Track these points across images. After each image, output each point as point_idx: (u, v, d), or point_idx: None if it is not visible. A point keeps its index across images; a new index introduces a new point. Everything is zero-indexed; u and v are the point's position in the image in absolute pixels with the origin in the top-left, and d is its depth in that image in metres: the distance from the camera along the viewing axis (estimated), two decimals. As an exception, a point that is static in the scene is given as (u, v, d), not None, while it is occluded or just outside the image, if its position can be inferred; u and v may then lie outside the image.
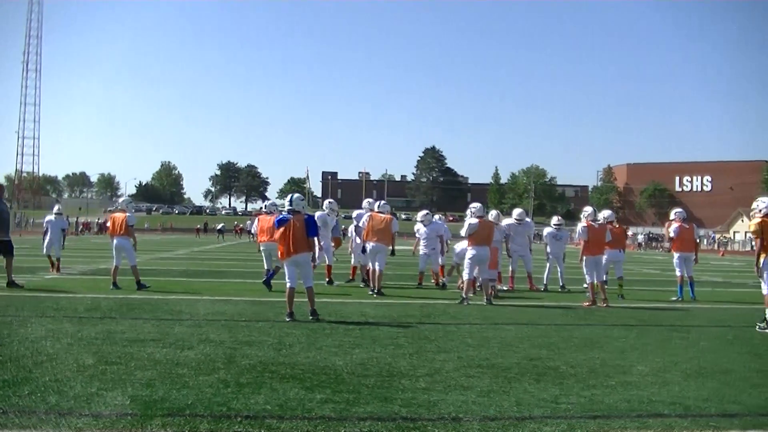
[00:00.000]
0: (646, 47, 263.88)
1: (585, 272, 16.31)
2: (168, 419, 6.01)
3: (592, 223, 16.57)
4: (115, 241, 17.78)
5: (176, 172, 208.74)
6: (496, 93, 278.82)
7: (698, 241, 19.88)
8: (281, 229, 12.85)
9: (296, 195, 13.44)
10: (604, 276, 17.16)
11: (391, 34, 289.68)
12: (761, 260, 12.80)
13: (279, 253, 13.09)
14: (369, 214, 18.39)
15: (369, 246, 17.80)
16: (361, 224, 18.64)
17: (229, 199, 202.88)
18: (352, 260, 20.50)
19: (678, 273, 18.39)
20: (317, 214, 19.31)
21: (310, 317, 12.59)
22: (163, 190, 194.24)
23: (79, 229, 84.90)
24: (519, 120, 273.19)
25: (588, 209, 17.04)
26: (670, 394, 7.50)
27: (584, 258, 16.32)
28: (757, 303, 17.85)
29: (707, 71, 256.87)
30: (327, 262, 19.88)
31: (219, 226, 79.22)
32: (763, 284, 12.95)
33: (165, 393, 6.84)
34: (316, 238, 13.48)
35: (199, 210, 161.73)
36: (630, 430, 6.20)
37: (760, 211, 13.03)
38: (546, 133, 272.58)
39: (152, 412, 6.17)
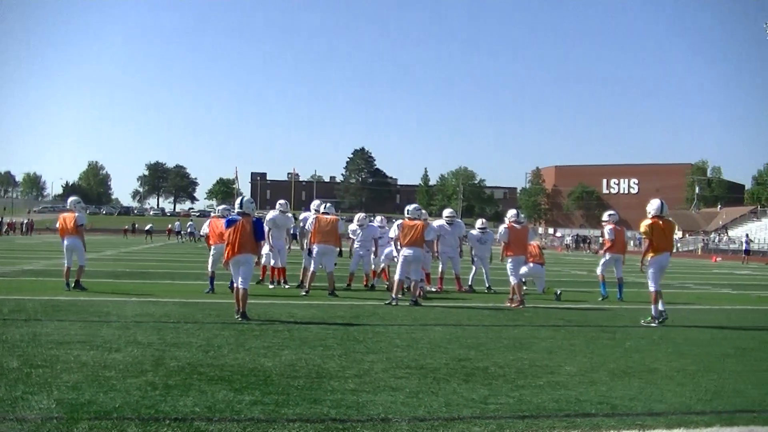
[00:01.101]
0: (571, 50, 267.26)
1: (509, 273, 16.50)
2: (95, 423, 5.95)
3: (514, 225, 16.78)
4: (65, 241, 17.80)
5: (104, 172, 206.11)
6: (424, 94, 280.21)
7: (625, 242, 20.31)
8: (229, 230, 13.17)
9: (246, 198, 13.82)
10: (523, 279, 17.57)
11: (319, 33, 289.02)
12: (647, 258, 13.89)
13: (225, 253, 13.29)
14: (315, 216, 18.33)
15: (315, 248, 17.75)
16: (307, 226, 18.53)
17: (158, 199, 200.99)
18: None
19: (599, 272, 18.76)
20: (269, 215, 19.23)
21: (238, 317, 12.66)
22: (91, 190, 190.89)
23: (4, 230, 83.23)
24: (448, 122, 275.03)
25: (511, 211, 17.28)
26: (598, 394, 7.62)
27: (508, 258, 16.60)
28: (680, 303, 18.28)
29: (633, 75, 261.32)
30: (276, 264, 19.59)
31: (147, 227, 78.29)
32: (649, 282, 13.90)
33: (92, 396, 6.77)
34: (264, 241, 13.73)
35: (126, 210, 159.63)
36: (558, 429, 6.29)
37: (650, 213, 13.99)
38: (475, 135, 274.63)
39: (79, 416, 6.09)
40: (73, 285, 17.04)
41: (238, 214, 13.37)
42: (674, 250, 14.23)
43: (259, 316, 13.06)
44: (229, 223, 13.34)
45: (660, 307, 13.64)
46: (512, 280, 16.44)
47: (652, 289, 13.81)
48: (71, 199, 18.74)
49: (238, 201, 13.75)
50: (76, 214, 17.82)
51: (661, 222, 13.86)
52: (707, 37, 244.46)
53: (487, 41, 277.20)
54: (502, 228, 16.94)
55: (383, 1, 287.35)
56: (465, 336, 11.66)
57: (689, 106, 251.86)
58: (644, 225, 13.98)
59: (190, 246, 58.80)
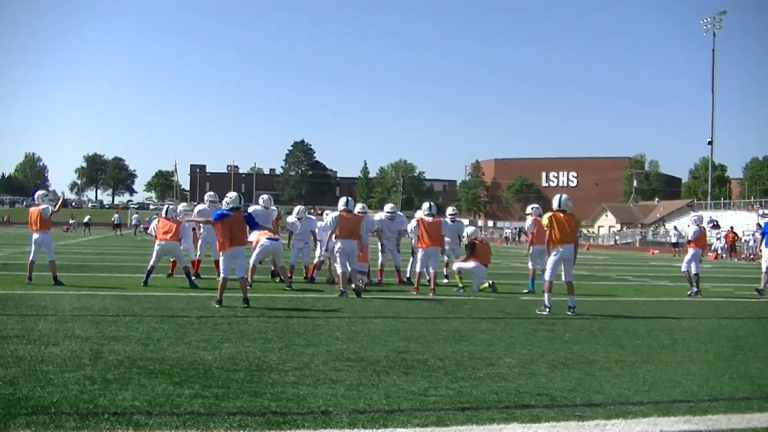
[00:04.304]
0: (509, 44, 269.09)
1: (418, 262, 17.45)
2: (32, 418, 5.89)
3: (424, 218, 17.44)
4: (35, 235, 17.46)
5: (41, 164, 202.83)
6: (364, 87, 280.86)
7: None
8: (220, 224, 13.92)
9: (236, 193, 14.61)
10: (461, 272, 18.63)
11: (257, 25, 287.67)
12: (550, 249, 14.47)
13: (218, 244, 14.25)
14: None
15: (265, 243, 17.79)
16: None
17: (96, 191, 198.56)
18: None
19: (531, 266, 18.97)
20: (197, 208, 19.60)
21: (243, 305, 13.57)
22: (27, 182, 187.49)
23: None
24: (388, 114, 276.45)
25: (424, 205, 17.98)
26: (537, 385, 7.71)
27: (419, 250, 17.41)
28: (618, 296, 18.55)
29: (572, 69, 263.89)
30: (192, 257, 19.63)
31: (85, 219, 77.17)
32: (546, 271, 14.65)
33: (29, 391, 6.69)
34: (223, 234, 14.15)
35: (64, 203, 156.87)
36: (498, 421, 6.35)
37: (554, 207, 14.87)
38: (415, 127, 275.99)
39: (15, 411, 6.03)
40: (52, 282, 16.77)
41: (231, 209, 14.06)
42: (578, 242, 15.22)
43: (199, 309, 13.04)
44: (220, 217, 13.98)
45: (550, 298, 14.39)
46: (418, 268, 17.48)
47: (546, 278, 14.47)
48: (38, 192, 18.47)
49: (229, 197, 14.40)
50: (41, 207, 17.32)
51: (561, 215, 14.50)
52: (644, 32, 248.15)
53: (426, 35, 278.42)
54: (413, 222, 17.88)
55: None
56: (405, 328, 11.73)
57: (627, 100, 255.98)
58: (545, 217, 14.72)
59: (129, 239, 58.03)
